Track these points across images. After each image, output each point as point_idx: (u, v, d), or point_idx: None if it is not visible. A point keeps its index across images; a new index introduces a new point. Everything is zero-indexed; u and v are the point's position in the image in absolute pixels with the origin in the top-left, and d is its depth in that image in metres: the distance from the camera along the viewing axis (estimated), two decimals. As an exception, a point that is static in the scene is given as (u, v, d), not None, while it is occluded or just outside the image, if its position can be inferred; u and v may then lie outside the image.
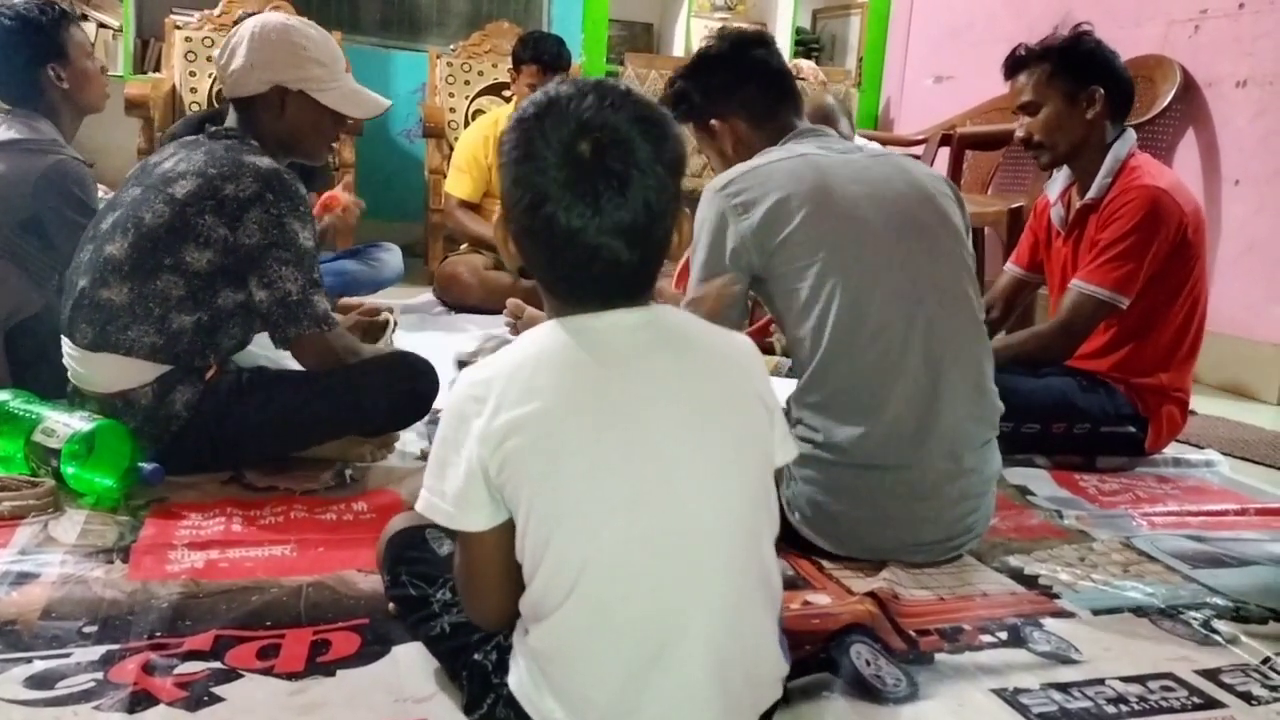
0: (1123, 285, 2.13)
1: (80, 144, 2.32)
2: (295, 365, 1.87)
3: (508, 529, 0.98)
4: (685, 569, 0.95)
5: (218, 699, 1.15)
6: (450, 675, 1.15)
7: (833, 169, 1.61)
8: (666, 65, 4.52)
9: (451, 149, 4.05)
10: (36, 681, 1.16)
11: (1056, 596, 1.56)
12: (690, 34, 6.01)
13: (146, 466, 1.71)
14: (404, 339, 2.54)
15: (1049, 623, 1.46)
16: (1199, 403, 2.66)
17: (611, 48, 5.24)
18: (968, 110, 4.23)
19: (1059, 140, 2.21)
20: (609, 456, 0.94)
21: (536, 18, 5.06)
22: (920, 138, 4.21)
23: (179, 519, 1.65)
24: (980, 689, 1.28)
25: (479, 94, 4.45)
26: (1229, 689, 1.31)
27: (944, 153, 3.87)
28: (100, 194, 2.23)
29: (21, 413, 1.77)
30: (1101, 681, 1.31)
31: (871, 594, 1.47)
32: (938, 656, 1.34)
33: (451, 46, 4.57)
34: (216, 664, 1.21)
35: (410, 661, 1.23)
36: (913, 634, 1.39)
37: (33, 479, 1.70)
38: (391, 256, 3.38)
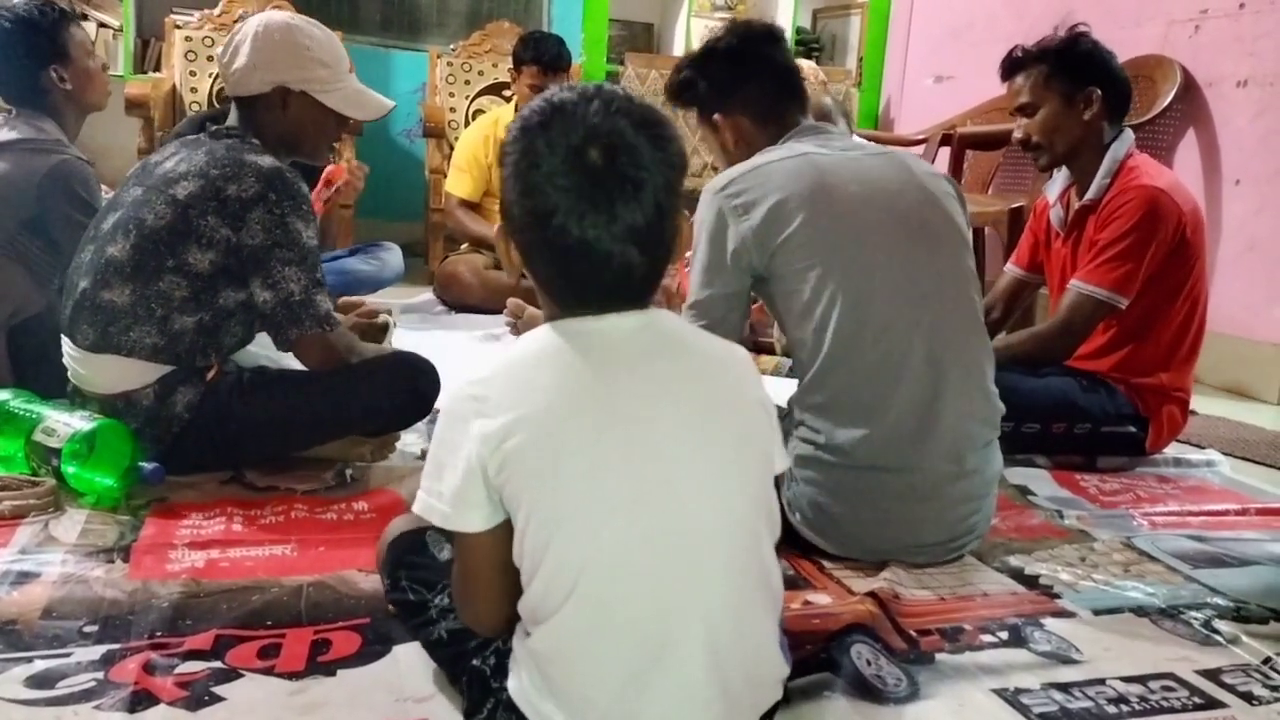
0: (1122, 285, 2.13)
1: (81, 144, 2.33)
2: (296, 365, 1.87)
3: (504, 531, 0.97)
4: (686, 570, 0.95)
5: (218, 698, 1.15)
6: (450, 680, 1.15)
7: (833, 168, 1.60)
8: (667, 65, 4.52)
9: (452, 149, 4.05)
10: (37, 681, 1.16)
11: (1057, 596, 1.56)
12: (690, 34, 6.01)
13: (147, 466, 1.71)
14: (404, 338, 2.54)
15: (1050, 623, 1.46)
16: (1199, 403, 2.66)
17: (612, 48, 5.24)
18: (968, 110, 4.23)
19: (1057, 141, 2.21)
20: (609, 457, 0.94)
21: (537, 17, 5.06)
22: (920, 138, 4.20)
23: (179, 518, 1.65)
24: (981, 689, 1.28)
25: (479, 94, 4.45)
26: (1230, 689, 1.31)
27: (944, 153, 3.88)
28: (103, 193, 2.23)
29: (22, 412, 1.77)
30: (1102, 681, 1.31)
31: (872, 594, 1.47)
32: (938, 656, 1.34)
33: (452, 46, 4.57)
34: (217, 663, 1.21)
35: (411, 661, 1.23)
36: (913, 634, 1.39)
37: (33, 478, 1.71)
38: (392, 256, 3.38)
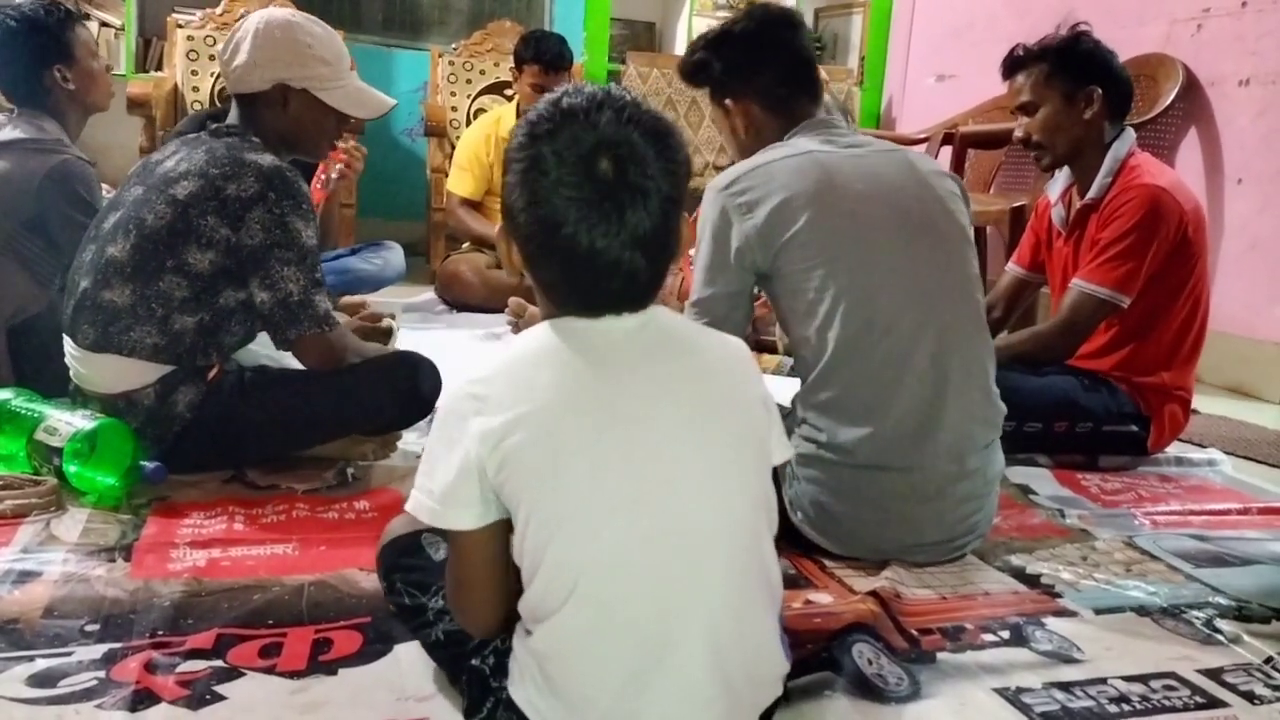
0: (1123, 284, 2.12)
1: (83, 143, 2.33)
2: (297, 364, 1.87)
3: (498, 530, 0.97)
4: (686, 569, 0.95)
5: (220, 697, 1.15)
6: (450, 680, 1.15)
7: (837, 167, 1.59)
8: (668, 64, 4.52)
9: (453, 148, 4.05)
10: (39, 680, 1.16)
11: (1059, 595, 1.56)
12: (692, 33, 6.00)
13: (148, 465, 1.71)
14: (406, 338, 2.54)
15: (1051, 622, 1.46)
16: (1201, 402, 2.66)
17: (613, 46, 5.23)
18: (969, 109, 4.22)
19: (1058, 140, 2.21)
20: (609, 457, 0.94)
21: (538, 16, 5.07)
22: (922, 136, 4.20)
23: (181, 517, 1.65)
24: (982, 688, 1.27)
25: (481, 93, 4.45)
26: (1231, 688, 1.31)
27: (946, 152, 3.87)
28: (104, 193, 2.23)
29: (24, 411, 1.77)
30: (1104, 681, 1.31)
31: (873, 593, 1.47)
32: (940, 655, 1.34)
33: (453, 45, 4.57)
34: (218, 662, 1.22)
35: (412, 660, 1.23)
36: (915, 633, 1.39)
37: (35, 477, 1.71)
38: (394, 255, 3.38)
